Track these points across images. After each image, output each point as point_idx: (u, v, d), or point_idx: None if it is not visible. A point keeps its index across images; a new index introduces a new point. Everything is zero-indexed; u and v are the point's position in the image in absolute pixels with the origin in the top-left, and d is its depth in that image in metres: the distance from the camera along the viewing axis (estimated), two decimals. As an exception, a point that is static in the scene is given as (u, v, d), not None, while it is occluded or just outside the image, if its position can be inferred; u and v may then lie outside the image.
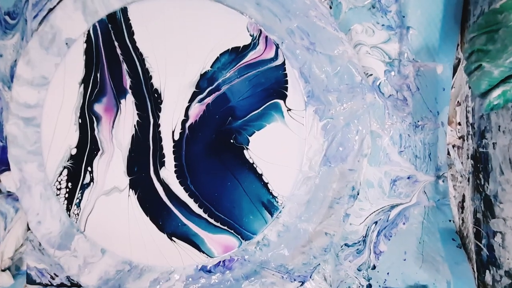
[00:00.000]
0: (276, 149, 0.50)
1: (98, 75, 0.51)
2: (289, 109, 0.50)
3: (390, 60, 0.52)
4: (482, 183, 0.49)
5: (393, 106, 0.52)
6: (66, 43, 0.51)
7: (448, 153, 0.53)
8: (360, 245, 0.53)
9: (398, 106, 0.52)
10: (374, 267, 0.52)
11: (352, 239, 0.53)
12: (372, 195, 0.52)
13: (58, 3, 0.52)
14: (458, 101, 0.53)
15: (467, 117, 0.53)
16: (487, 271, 0.48)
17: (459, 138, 0.54)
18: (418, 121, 0.52)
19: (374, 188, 0.52)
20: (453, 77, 0.52)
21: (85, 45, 0.51)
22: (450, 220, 0.53)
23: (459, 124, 0.54)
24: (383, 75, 0.52)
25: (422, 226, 0.53)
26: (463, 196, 0.53)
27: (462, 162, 0.53)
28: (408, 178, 0.52)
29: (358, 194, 0.50)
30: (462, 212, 0.53)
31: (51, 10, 0.52)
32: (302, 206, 0.50)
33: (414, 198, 0.52)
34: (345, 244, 0.53)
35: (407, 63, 0.52)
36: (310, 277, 0.51)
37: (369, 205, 0.52)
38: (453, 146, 0.54)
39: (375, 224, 0.52)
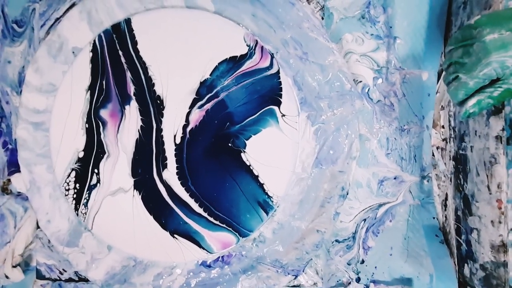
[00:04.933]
0: (271, 152, 0.52)
1: (104, 82, 0.52)
2: (283, 115, 0.52)
3: (378, 67, 0.55)
4: (462, 183, 0.52)
5: (381, 111, 0.55)
6: (73, 52, 0.53)
7: (433, 154, 0.56)
8: (349, 241, 0.55)
9: (386, 111, 0.55)
10: (362, 262, 0.55)
11: (342, 235, 0.55)
12: (361, 194, 0.55)
13: (64, 14, 0.54)
14: (442, 106, 0.56)
15: (449, 121, 0.55)
16: (466, 265, 0.51)
17: (443, 140, 0.56)
18: (404, 125, 0.55)
19: (362, 188, 0.55)
20: (437, 83, 0.54)
21: (91, 54, 0.53)
22: (433, 218, 0.56)
23: (443, 127, 0.56)
24: (371, 82, 0.54)
25: (407, 223, 0.55)
26: (446, 194, 0.56)
27: (445, 163, 0.56)
28: (395, 178, 0.55)
29: (347, 194, 0.52)
30: (445, 210, 0.56)
31: (57, 20, 0.54)
32: (295, 205, 0.52)
33: (400, 197, 0.55)
34: (336, 240, 0.55)
35: (394, 71, 0.54)
36: (303, 271, 0.53)
37: (358, 204, 0.55)
38: (437, 148, 0.56)
39: (364, 222, 0.55)
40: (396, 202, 0.55)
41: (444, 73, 0.45)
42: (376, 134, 0.55)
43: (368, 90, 0.55)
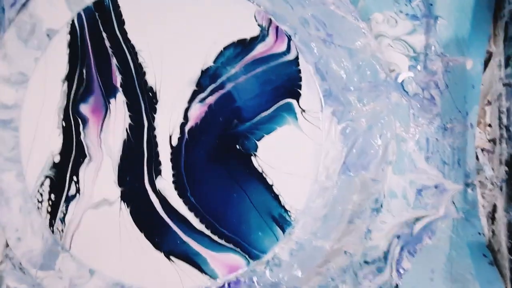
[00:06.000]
0: (288, 156, 0.47)
1: (84, 71, 0.47)
2: (303, 110, 0.46)
3: (415, 54, 0.48)
4: (520, 193, 0.45)
5: (419, 107, 0.48)
6: (48, 35, 0.48)
7: (477, 158, 0.49)
8: (381, 262, 0.49)
9: (425, 106, 0.48)
10: (396, 287, 0.48)
11: (372, 255, 0.49)
12: (395, 206, 0.48)
13: (38, -11, 0.48)
14: (488, 100, 0.50)
15: (500, 118, 0.48)
16: (527, 293, 0.45)
17: (489, 141, 0.50)
18: (447, 123, 0.48)
19: (397, 198, 0.48)
20: (483, 72, 0.48)
21: (68, 36, 0.47)
22: (479, 233, 0.49)
23: (490, 125, 0.50)
24: (407, 71, 0.48)
25: (450, 240, 0.49)
26: (494, 205, 0.49)
27: (493, 168, 0.49)
28: (436, 187, 0.49)
29: (381, 207, 0.46)
30: (493, 224, 0.49)
31: (30, -4, 0.48)
32: (318, 221, 0.47)
33: (442, 209, 0.49)
34: (365, 262, 0.49)
35: (434, 58, 0.48)
36: (327, 300, 0.47)
37: (391, 217, 0.48)
38: (483, 150, 0.50)
39: (398, 239, 0.49)
40: (437, 216, 0.49)
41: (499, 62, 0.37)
42: (413, 134, 0.48)
43: (403, 81, 0.48)
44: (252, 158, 0.46)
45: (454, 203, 0.49)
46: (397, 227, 0.48)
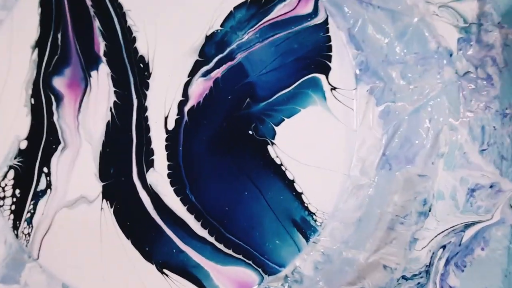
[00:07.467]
0: (314, 144, 0.42)
1: (59, 36, 0.42)
2: (333, 88, 0.41)
3: (465, 24, 0.44)
4: None
5: (473, 88, 0.43)
6: None
7: None
8: (422, 277, 0.44)
9: (480, 87, 0.43)
10: None
11: (412, 269, 0.43)
12: (440, 209, 0.43)
13: None
14: None
15: None
16: None
17: None
18: (507, 109, 0.43)
19: (444, 200, 0.43)
20: None
21: None
22: None
23: None
24: (456, 45, 0.43)
25: (507, 252, 0.44)
26: None
27: None
28: (491, 187, 0.44)
29: (430, 211, 0.41)
30: None
31: None
32: (350, 226, 0.42)
33: (497, 214, 0.44)
34: (402, 277, 0.44)
35: (491, 28, 0.43)
36: (359, 326, 0.42)
37: (435, 223, 0.44)
38: None
39: (443, 250, 0.44)
40: (492, 222, 0.44)
41: None
42: (465, 121, 0.43)
43: (451, 56, 0.43)
44: (269, 147, 0.41)
45: (511, 206, 0.44)
46: (443, 235, 0.44)
